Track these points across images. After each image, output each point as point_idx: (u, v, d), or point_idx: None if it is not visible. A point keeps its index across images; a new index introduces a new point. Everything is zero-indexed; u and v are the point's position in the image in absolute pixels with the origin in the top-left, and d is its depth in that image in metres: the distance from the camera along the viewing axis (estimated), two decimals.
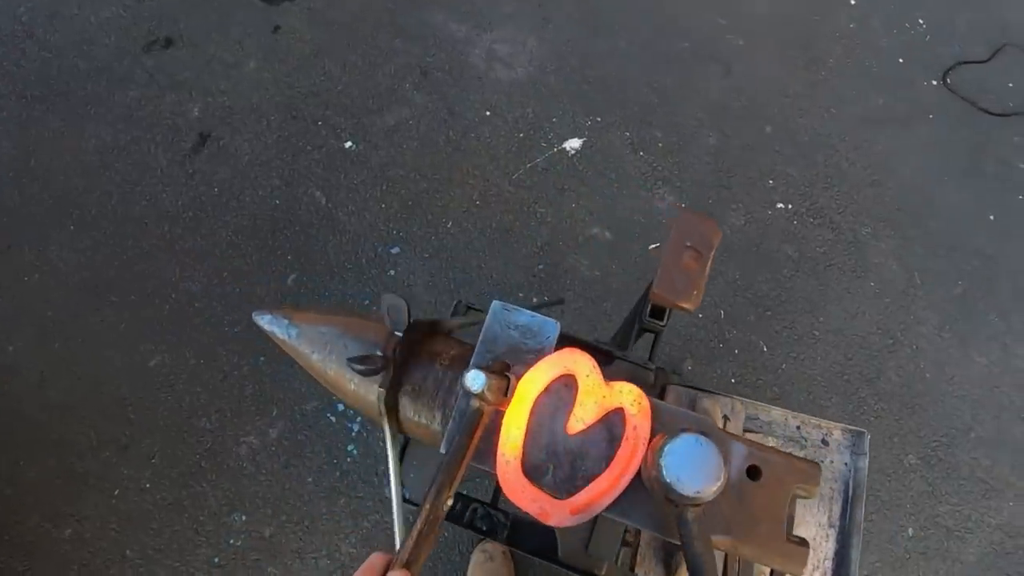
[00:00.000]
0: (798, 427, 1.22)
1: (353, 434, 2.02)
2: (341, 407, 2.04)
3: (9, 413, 2.06)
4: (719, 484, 0.65)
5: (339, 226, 2.28)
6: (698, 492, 0.65)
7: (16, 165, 2.42)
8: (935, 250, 2.25)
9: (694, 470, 0.65)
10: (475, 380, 0.69)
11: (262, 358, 2.10)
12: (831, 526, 1.13)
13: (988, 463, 1.98)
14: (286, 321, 0.87)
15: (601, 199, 2.32)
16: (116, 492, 1.97)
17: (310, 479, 1.97)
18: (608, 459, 0.76)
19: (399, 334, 0.80)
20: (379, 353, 0.79)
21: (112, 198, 2.35)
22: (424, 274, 2.21)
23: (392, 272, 2.21)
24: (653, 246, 2.24)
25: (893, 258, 2.24)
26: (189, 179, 2.36)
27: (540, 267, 2.21)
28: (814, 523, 1.13)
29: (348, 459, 2.01)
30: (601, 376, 0.81)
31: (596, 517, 0.98)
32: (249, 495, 1.96)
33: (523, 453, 0.76)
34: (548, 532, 1.05)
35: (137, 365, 2.12)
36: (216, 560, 1.89)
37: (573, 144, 2.42)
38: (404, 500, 1.03)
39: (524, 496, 0.74)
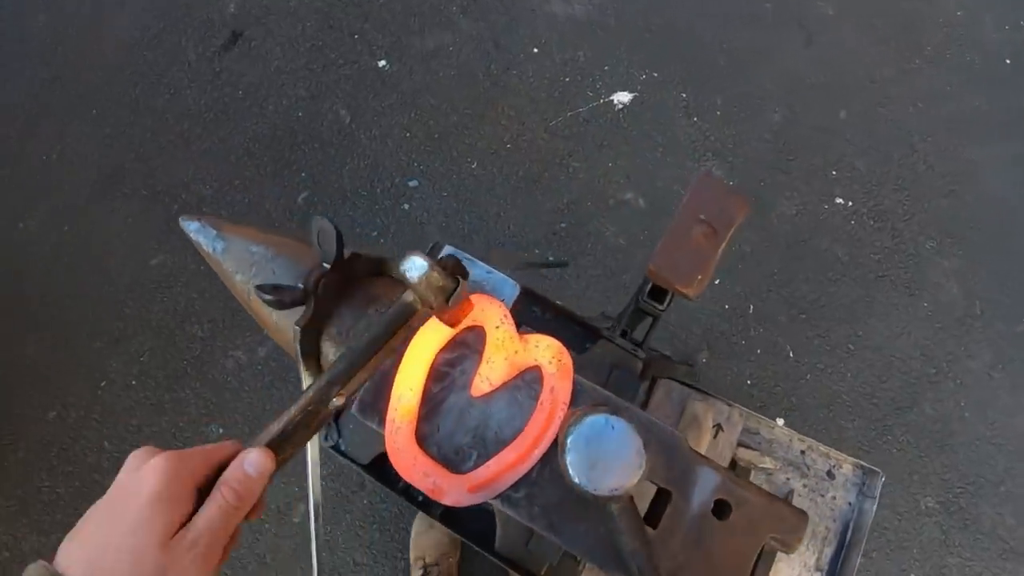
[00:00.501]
0: (803, 452, 1.06)
1: None
2: None
3: (14, 290, 2.05)
4: (640, 472, 0.51)
5: (359, 149, 2.14)
6: (614, 490, 0.51)
7: (47, 42, 2.36)
8: (1004, 280, 1.99)
9: (607, 461, 0.51)
10: (413, 267, 0.54)
11: None
12: (818, 570, 0.98)
13: (1013, 522, 1.78)
14: (214, 232, 0.75)
15: (642, 162, 2.12)
16: (103, 384, 1.95)
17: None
18: (521, 427, 0.63)
19: (326, 266, 0.67)
20: (299, 285, 0.66)
21: (136, 87, 2.26)
22: (439, 213, 2.07)
23: (406, 206, 2.08)
24: None
25: (955, 280, 1.99)
26: (215, 77, 2.25)
27: (562, 225, 2.04)
28: (799, 563, 0.98)
29: None
30: (514, 327, 0.66)
31: None
32: (229, 409, 1.92)
33: (417, 419, 0.63)
34: (490, 517, 0.93)
35: (139, 261, 2.07)
36: None
37: (622, 98, 2.20)
38: (339, 452, 0.92)
39: (415, 469, 0.61)
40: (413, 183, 2.11)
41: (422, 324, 0.58)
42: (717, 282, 1.97)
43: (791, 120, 2.19)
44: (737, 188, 0.81)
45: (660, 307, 0.91)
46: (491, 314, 0.65)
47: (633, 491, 0.48)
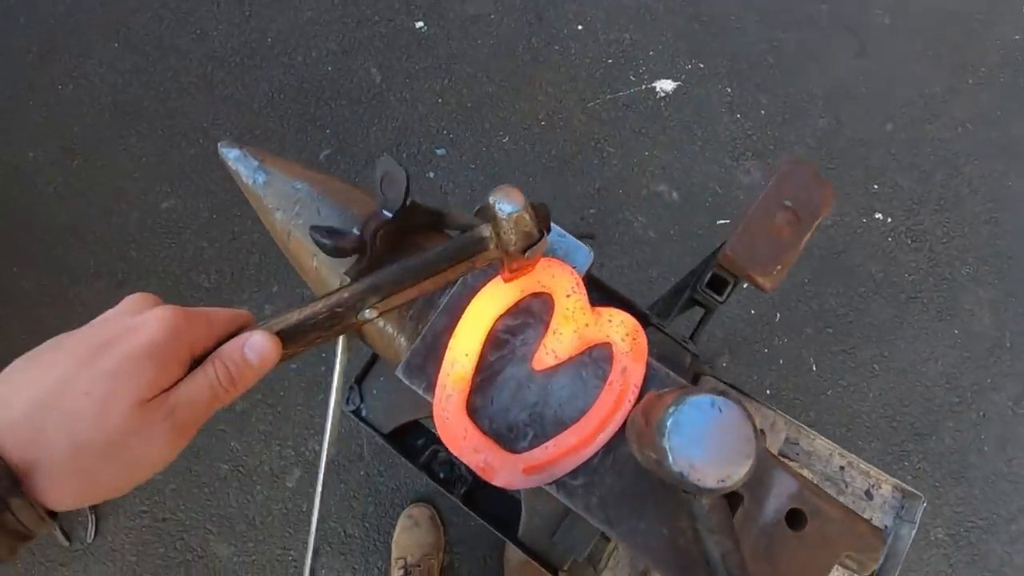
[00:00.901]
0: (842, 468, 1.01)
1: None
2: None
3: (17, 223, 1.99)
4: (751, 463, 0.44)
5: (388, 110, 2.07)
6: (721, 481, 0.44)
7: None
8: None
9: (714, 449, 0.44)
10: (507, 200, 0.48)
11: None
12: None
13: (1021, 563, 1.74)
14: (256, 162, 0.69)
15: (679, 155, 2.05)
16: None
17: (294, 365, 1.85)
18: (585, 407, 0.57)
19: (388, 215, 0.60)
20: (356, 232, 0.59)
21: (163, 23, 2.18)
22: (465, 185, 2.00)
23: (431, 175, 2.01)
24: (723, 221, 1.97)
25: (988, 309, 1.94)
26: (245, 21, 2.17)
27: (591, 211, 1.98)
28: None
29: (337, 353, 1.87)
30: (586, 298, 0.60)
31: None
32: None
33: (471, 388, 0.57)
34: (514, 503, 0.88)
35: (150, 204, 2.00)
36: None
37: (665, 86, 2.13)
38: (360, 418, 0.86)
39: (465, 443, 0.55)
40: (441, 151, 2.04)
41: (484, 263, 0.52)
42: (745, 286, 1.91)
43: (836, 128, 2.13)
44: (814, 167, 0.75)
45: (719, 298, 0.85)
46: (563, 281, 0.59)
47: (740, 485, 0.42)
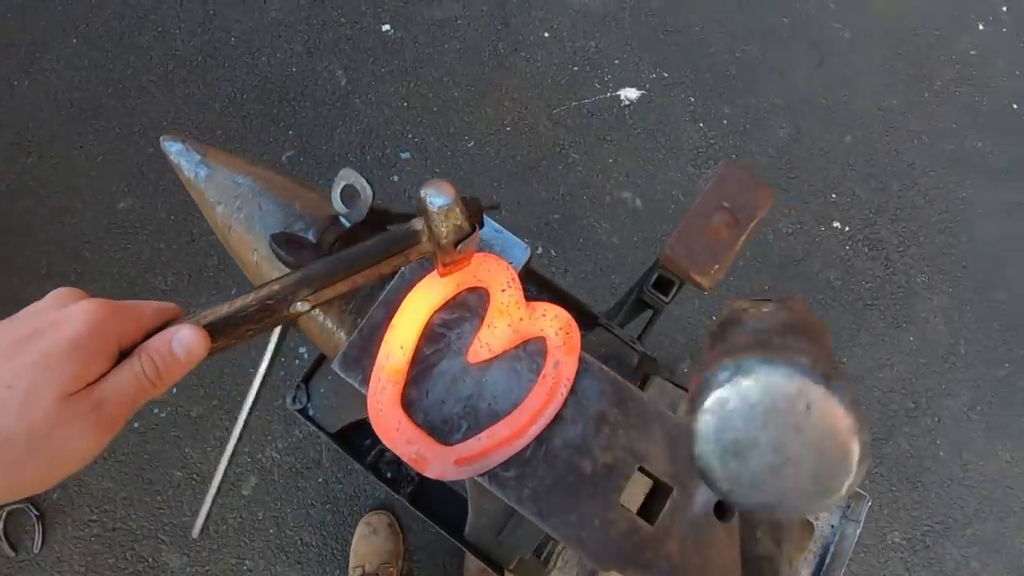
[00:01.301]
0: None
1: None
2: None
3: None
4: (855, 478, 0.31)
5: (353, 113, 2.07)
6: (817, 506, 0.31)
7: None
8: (990, 323, 2.01)
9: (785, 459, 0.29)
10: (438, 194, 0.48)
11: None
12: None
13: (977, 566, 1.79)
14: (198, 156, 0.69)
15: (643, 162, 2.09)
16: None
17: (251, 370, 1.83)
18: (519, 400, 0.58)
19: (346, 223, 0.61)
20: (311, 238, 0.60)
21: (123, 20, 2.16)
22: None
23: (396, 178, 2.01)
24: None
25: (942, 317, 2.00)
26: (208, 20, 2.16)
27: (555, 216, 2.00)
28: None
29: (297, 361, 1.86)
30: (521, 293, 0.61)
31: None
32: None
33: (405, 380, 0.58)
34: (461, 503, 0.88)
35: (105, 203, 1.97)
36: (136, 425, 1.78)
37: (629, 94, 2.17)
38: (306, 417, 0.87)
39: (398, 435, 0.56)
40: (405, 155, 2.05)
41: (418, 257, 0.53)
42: (704, 294, 1.95)
43: (796, 138, 2.19)
44: (751, 169, 0.78)
45: (664, 299, 0.87)
46: (498, 275, 0.60)
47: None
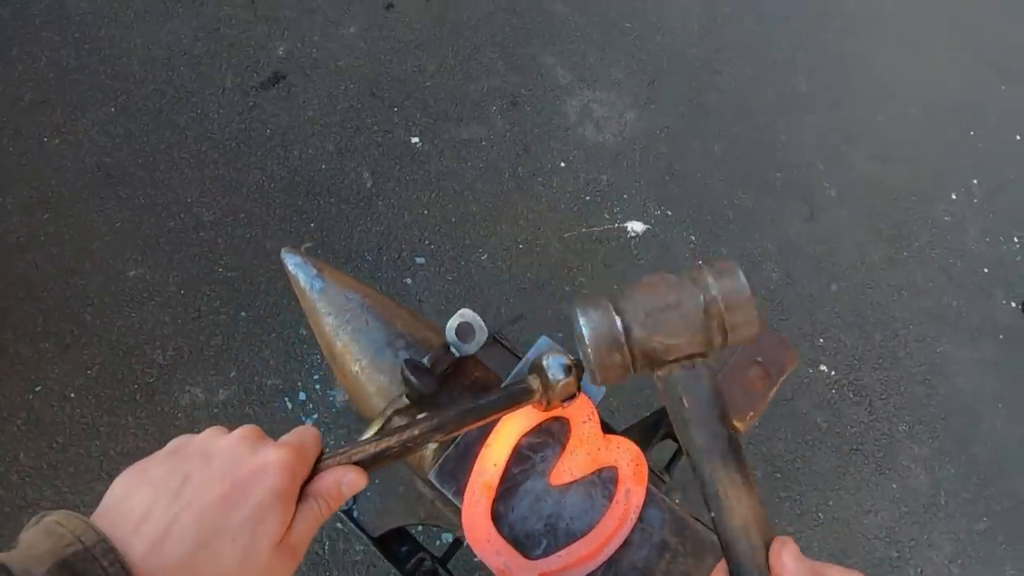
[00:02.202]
0: None
1: None
2: (303, 396, 1.93)
3: None
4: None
5: (374, 214, 2.22)
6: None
7: (85, 29, 2.42)
8: (967, 477, 2.15)
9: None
10: (558, 367, 0.59)
11: (243, 313, 2.01)
12: None
13: None
14: (315, 271, 0.79)
15: None
16: (38, 388, 1.85)
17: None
18: (593, 522, 0.67)
19: (456, 354, 0.72)
20: (426, 363, 0.70)
21: (164, 97, 2.32)
22: (440, 296, 2.13)
23: (408, 281, 2.13)
24: None
25: (923, 467, 2.14)
26: (247, 111, 2.33)
27: (560, 335, 2.12)
28: None
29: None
30: (599, 425, 0.72)
31: None
32: None
33: (496, 494, 0.66)
34: None
35: (116, 270, 2.03)
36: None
37: (636, 227, 2.38)
38: (351, 519, 0.92)
39: (489, 546, 0.63)
40: (420, 260, 2.18)
41: (524, 413, 0.64)
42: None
43: (786, 283, 2.40)
44: (780, 334, 0.92)
45: None
46: (581, 408, 0.71)
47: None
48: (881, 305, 2.42)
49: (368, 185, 2.27)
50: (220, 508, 0.43)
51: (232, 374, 1.94)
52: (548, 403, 0.62)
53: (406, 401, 0.65)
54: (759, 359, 0.88)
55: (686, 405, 0.49)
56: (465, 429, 0.57)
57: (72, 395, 1.86)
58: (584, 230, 2.33)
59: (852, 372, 2.25)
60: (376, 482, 0.95)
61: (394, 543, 0.94)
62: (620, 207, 2.41)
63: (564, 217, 2.34)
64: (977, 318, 2.47)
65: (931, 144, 2.90)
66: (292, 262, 0.80)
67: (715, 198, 2.51)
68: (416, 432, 0.53)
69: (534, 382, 0.61)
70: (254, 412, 1.89)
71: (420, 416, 0.55)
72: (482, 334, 0.71)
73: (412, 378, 0.62)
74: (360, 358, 0.74)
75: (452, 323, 0.71)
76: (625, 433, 1.34)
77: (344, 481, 0.50)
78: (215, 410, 1.89)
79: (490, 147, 2.42)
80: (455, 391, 0.74)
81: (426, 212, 2.25)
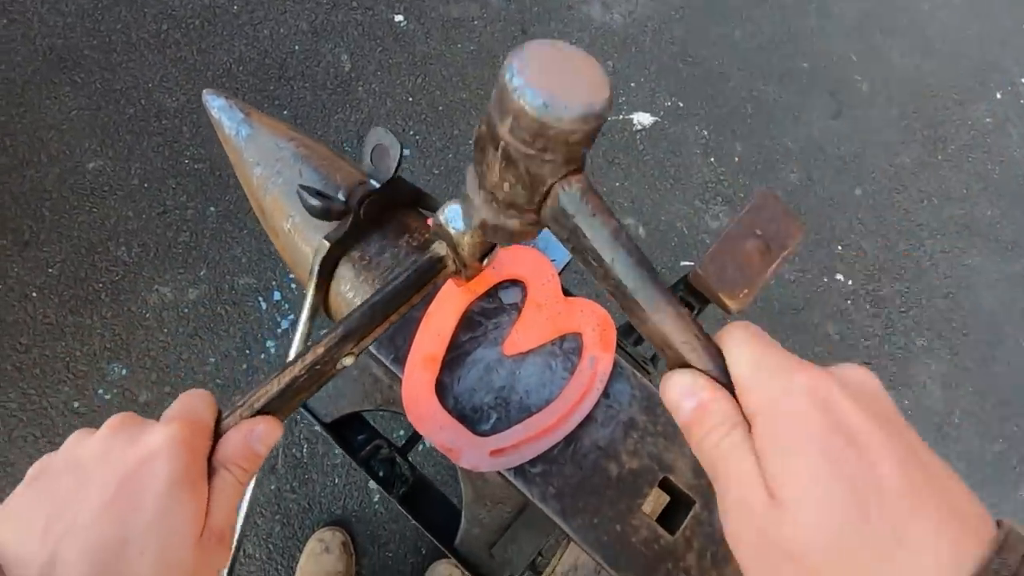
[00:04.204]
0: None
1: (279, 330, 1.87)
2: (278, 296, 1.89)
3: None
4: (610, 93, 0.38)
5: (354, 101, 2.11)
6: (590, 107, 0.37)
7: None
8: (985, 396, 2.12)
9: (570, 76, 0.37)
10: (453, 215, 0.51)
11: (212, 208, 1.95)
12: None
13: None
14: (241, 115, 0.72)
15: (649, 190, 2.17)
16: None
17: (212, 359, 1.83)
18: (551, 396, 0.62)
19: (375, 184, 0.65)
20: (341, 198, 0.63)
21: None
22: (426, 189, 2.05)
23: None
24: (686, 263, 2.09)
25: (939, 384, 2.10)
26: None
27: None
28: None
29: (262, 355, 1.86)
30: (560, 287, 0.66)
31: (520, 514, 0.84)
32: (139, 350, 1.82)
33: (441, 365, 0.61)
34: (452, 512, 0.91)
35: (74, 161, 1.96)
36: (76, 406, 1.75)
37: (643, 119, 2.26)
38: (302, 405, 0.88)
39: (433, 421, 0.59)
40: (405, 151, 2.09)
41: (445, 280, 0.57)
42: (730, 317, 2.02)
43: (806, 185, 2.30)
44: (785, 203, 0.84)
45: None
46: (539, 270, 0.64)
47: (605, 119, 0.39)
48: (908, 212, 2.33)
49: (346, 68, 2.15)
50: (109, 522, 0.36)
51: (202, 272, 1.90)
52: (466, 267, 0.54)
53: (326, 243, 0.58)
54: (758, 231, 0.81)
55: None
56: (380, 330, 0.51)
57: (34, 294, 1.83)
58: None
59: (871, 282, 2.19)
60: (329, 385, 0.91)
61: (350, 431, 0.90)
62: (626, 97, 2.28)
63: None
64: (1012, 230, 2.37)
65: (976, 38, 2.72)
66: (215, 105, 0.73)
67: (733, 89, 2.37)
68: (321, 351, 0.47)
69: (440, 247, 0.53)
70: (226, 312, 1.86)
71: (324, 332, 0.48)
72: (395, 151, 0.63)
73: (312, 200, 0.55)
74: (292, 213, 0.67)
75: (366, 149, 0.64)
76: (625, 328, 1.29)
77: (254, 437, 0.43)
78: (185, 310, 1.86)
79: (483, 27, 2.28)
80: (396, 240, 0.68)
81: (411, 99, 2.14)
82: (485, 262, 0.57)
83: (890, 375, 2.08)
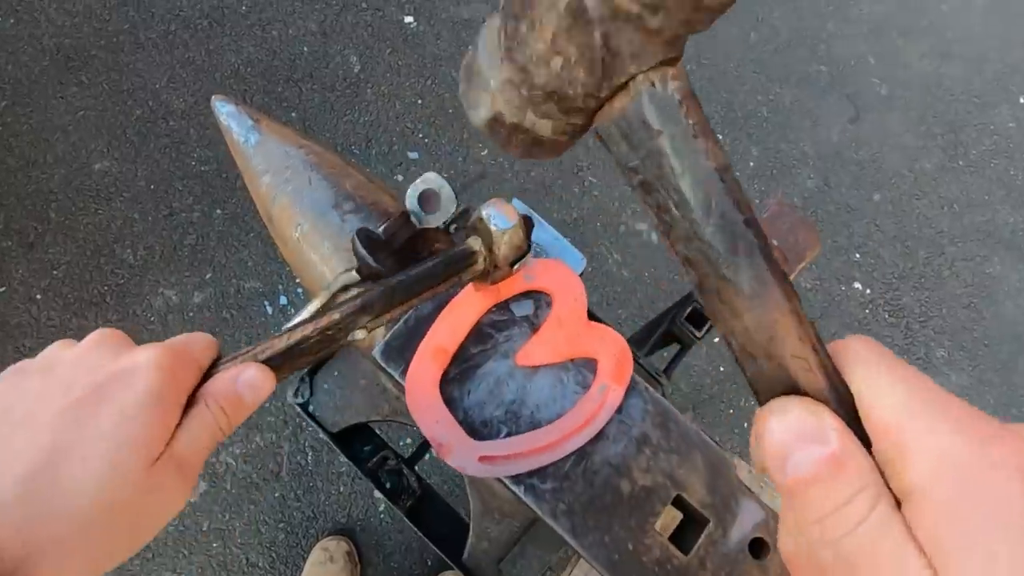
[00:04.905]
0: None
1: None
2: (284, 300, 1.89)
3: None
4: None
5: (363, 103, 2.12)
6: None
7: None
8: (1008, 408, 2.10)
9: None
10: (500, 217, 0.51)
11: (219, 210, 1.96)
12: None
13: None
14: (250, 122, 0.72)
15: None
16: (2, 289, 1.84)
17: None
18: (563, 412, 0.62)
19: (417, 225, 0.64)
20: (380, 233, 0.62)
21: None
22: None
23: (400, 178, 2.06)
24: None
25: (960, 396, 2.08)
26: None
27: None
28: None
29: None
30: (585, 309, 0.66)
31: (529, 528, 0.84)
32: None
33: (449, 362, 0.61)
34: (459, 526, 0.91)
35: (80, 162, 1.98)
36: None
37: None
38: (307, 413, 0.89)
39: (429, 414, 0.58)
40: (413, 155, 2.09)
41: (472, 277, 0.57)
42: (716, 340, 2.01)
43: (823, 191, 2.29)
44: (803, 214, 0.84)
45: (697, 334, 0.91)
46: (568, 283, 0.65)
47: None
48: (928, 219, 2.31)
49: (356, 70, 2.16)
50: (64, 425, 0.35)
51: (208, 276, 1.91)
52: (494, 267, 0.54)
53: (356, 276, 0.58)
54: (774, 241, 0.81)
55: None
56: (397, 310, 0.50)
57: (38, 296, 1.85)
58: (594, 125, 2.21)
59: (889, 291, 2.17)
60: (336, 374, 0.91)
61: (356, 441, 0.90)
62: None
63: None
64: None
65: (998, 40, 2.69)
66: (224, 111, 0.73)
67: (748, 92, 2.36)
68: (336, 316, 0.47)
69: (475, 242, 0.53)
70: (231, 316, 1.87)
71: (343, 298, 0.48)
72: (450, 203, 0.63)
73: (365, 252, 0.55)
74: (301, 222, 0.67)
75: (414, 189, 0.64)
76: (639, 337, 1.28)
77: (241, 379, 0.42)
78: (190, 313, 1.87)
79: None
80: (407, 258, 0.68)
81: (420, 101, 2.14)
82: (516, 267, 0.57)
83: None
